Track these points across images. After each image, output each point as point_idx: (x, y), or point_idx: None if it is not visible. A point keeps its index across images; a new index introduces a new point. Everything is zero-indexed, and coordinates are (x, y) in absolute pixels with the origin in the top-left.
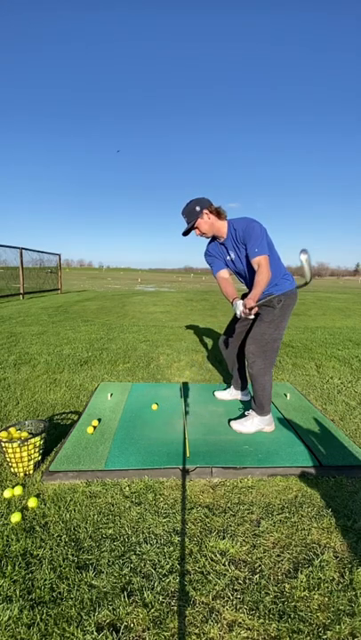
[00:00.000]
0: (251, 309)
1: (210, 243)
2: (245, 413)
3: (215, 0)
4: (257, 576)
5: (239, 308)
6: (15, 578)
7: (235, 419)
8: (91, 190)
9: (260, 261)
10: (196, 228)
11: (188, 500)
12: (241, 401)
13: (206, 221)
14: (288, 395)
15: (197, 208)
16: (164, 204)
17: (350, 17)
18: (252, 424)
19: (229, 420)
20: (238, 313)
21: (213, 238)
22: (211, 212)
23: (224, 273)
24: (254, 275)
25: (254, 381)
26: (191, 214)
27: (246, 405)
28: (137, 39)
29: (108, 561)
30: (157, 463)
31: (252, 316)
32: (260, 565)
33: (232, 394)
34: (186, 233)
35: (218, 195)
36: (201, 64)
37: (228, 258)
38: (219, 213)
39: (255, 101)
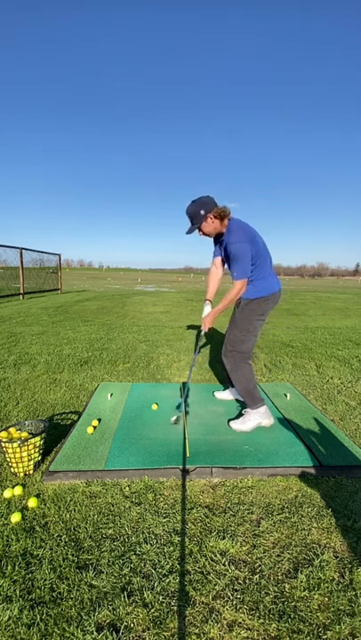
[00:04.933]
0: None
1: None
2: (242, 412)
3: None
4: (257, 576)
5: (204, 321)
6: (15, 578)
7: (233, 419)
8: (91, 190)
9: (236, 284)
10: (200, 229)
11: (188, 499)
12: (239, 401)
13: (210, 224)
14: (288, 395)
15: (202, 212)
16: (164, 203)
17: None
18: (250, 420)
19: (229, 421)
20: (202, 326)
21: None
22: (215, 216)
23: (217, 260)
24: None
25: (231, 377)
26: (195, 217)
27: (245, 405)
28: (137, 36)
29: (108, 561)
30: (157, 463)
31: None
32: (260, 565)
33: (232, 393)
34: (189, 232)
35: (218, 195)
36: (201, 64)
37: (223, 252)
38: (222, 218)
39: (255, 101)
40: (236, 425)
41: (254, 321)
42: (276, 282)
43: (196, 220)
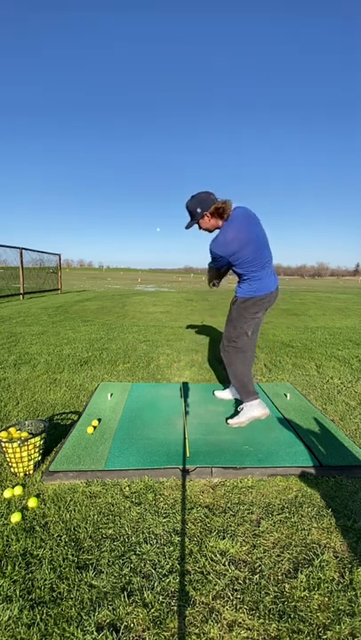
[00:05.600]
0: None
1: None
2: (238, 409)
3: (226, 4)
4: (257, 576)
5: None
6: (15, 578)
7: (231, 417)
8: (91, 190)
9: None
10: (199, 225)
11: (188, 500)
12: (239, 400)
13: (207, 222)
14: (288, 395)
15: (199, 210)
16: (164, 203)
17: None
18: (244, 413)
19: (227, 419)
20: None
21: None
22: (212, 214)
23: None
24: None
25: (228, 372)
26: (193, 215)
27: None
28: (137, 41)
29: (108, 561)
30: (157, 463)
31: (214, 286)
32: (260, 565)
33: (232, 392)
34: (187, 227)
35: (218, 195)
36: (201, 65)
37: None
38: (220, 214)
39: (254, 102)
40: (233, 421)
41: (249, 319)
42: (274, 281)
43: (193, 218)
